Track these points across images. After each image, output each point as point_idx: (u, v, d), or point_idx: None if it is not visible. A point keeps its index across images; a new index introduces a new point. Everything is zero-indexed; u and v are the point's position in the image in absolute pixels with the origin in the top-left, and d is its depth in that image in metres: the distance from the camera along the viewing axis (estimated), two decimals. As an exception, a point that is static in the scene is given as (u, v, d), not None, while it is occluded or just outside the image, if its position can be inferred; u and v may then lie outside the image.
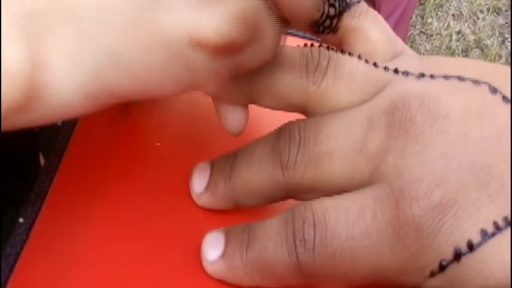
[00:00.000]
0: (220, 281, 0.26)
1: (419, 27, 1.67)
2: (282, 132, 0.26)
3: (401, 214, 0.22)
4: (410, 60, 0.27)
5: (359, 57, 0.27)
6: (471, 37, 1.67)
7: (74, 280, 0.26)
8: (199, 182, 0.29)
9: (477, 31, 1.69)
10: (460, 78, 0.25)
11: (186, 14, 0.21)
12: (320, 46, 0.27)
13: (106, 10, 0.21)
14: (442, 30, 1.67)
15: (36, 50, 0.20)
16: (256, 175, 0.27)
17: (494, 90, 0.24)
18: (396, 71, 0.26)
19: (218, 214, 0.29)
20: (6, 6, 0.20)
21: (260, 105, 0.28)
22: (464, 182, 0.22)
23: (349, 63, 0.27)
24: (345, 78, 0.26)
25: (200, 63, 0.22)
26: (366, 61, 0.27)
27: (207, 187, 0.28)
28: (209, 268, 0.26)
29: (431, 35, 1.66)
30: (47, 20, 0.20)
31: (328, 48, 0.27)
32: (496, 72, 0.25)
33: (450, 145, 0.23)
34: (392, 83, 0.26)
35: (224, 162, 0.28)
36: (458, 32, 1.68)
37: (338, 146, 0.25)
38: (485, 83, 0.25)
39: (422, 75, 0.26)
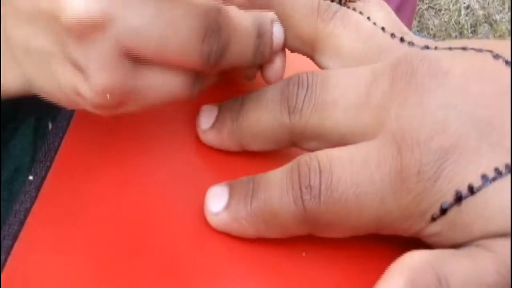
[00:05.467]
0: (224, 233, 0.26)
1: (427, 1, 1.66)
2: (292, 79, 0.27)
3: (403, 158, 0.23)
4: (414, 38, 0.29)
5: (369, 18, 0.29)
6: (480, 12, 1.66)
7: (83, 236, 0.26)
8: (206, 119, 0.30)
9: (486, 6, 1.67)
10: (464, 48, 0.26)
11: (66, 74, 0.25)
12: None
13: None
14: (451, 5, 1.65)
15: None
16: (263, 116, 0.27)
17: (496, 56, 0.25)
18: (402, 39, 0.28)
19: (222, 171, 0.29)
20: None
21: None
22: (465, 131, 0.23)
23: (357, 17, 0.29)
24: (351, 26, 0.28)
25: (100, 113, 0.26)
26: (374, 24, 0.28)
27: (214, 124, 0.29)
28: (213, 220, 0.27)
29: (440, 10, 1.65)
30: None
31: (340, 2, 0.29)
32: (499, 44, 0.26)
33: (450, 97, 0.24)
34: (397, 50, 0.28)
35: (233, 102, 0.29)
36: (467, 7, 1.66)
37: (344, 95, 0.26)
38: (488, 50, 0.25)
39: (426, 47, 0.27)
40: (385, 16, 0.29)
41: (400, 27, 0.29)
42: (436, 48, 0.27)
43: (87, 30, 0.23)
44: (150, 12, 0.23)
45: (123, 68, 0.24)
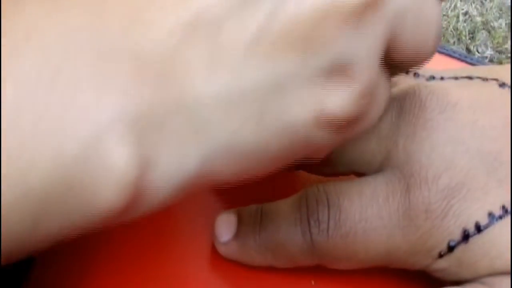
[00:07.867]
0: (233, 262, 0.27)
1: (426, 8, 1.66)
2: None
3: (412, 196, 0.23)
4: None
5: None
6: (479, 19, 1.66)
7: None
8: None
9: (484, 12, 1.68)
10: (470, 77, 0.26)
11: (311, 95, 0.19)
12: None
13: (223, 101, 0.18)
14: (449, 11, 1.66)
15: (144, 147, 0.17)
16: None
17: (502, 84, 0.25)
18: (406, 71, 0.27)
19: (229, 197, 0.29)
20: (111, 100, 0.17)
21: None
22: (472, 167, 0.23)
23: None
24: None
25: (322, 140, 0.20)
26: None
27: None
28: (221, 249, 0.27)
29: (438, 17, 1.65)
30: (157, 113, 0.17)
31: None
32: (504, 69, 0.26)
33: (458, 131, 0.24)
34: (403, 81, 0.27)
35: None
36: (465, 13, 1.67)
37: None
38: (494, 79, 0.25)
39: (432, 77, 0.27)
40: None
41: None
42: (442, 78, 0.27)
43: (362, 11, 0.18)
44: None
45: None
